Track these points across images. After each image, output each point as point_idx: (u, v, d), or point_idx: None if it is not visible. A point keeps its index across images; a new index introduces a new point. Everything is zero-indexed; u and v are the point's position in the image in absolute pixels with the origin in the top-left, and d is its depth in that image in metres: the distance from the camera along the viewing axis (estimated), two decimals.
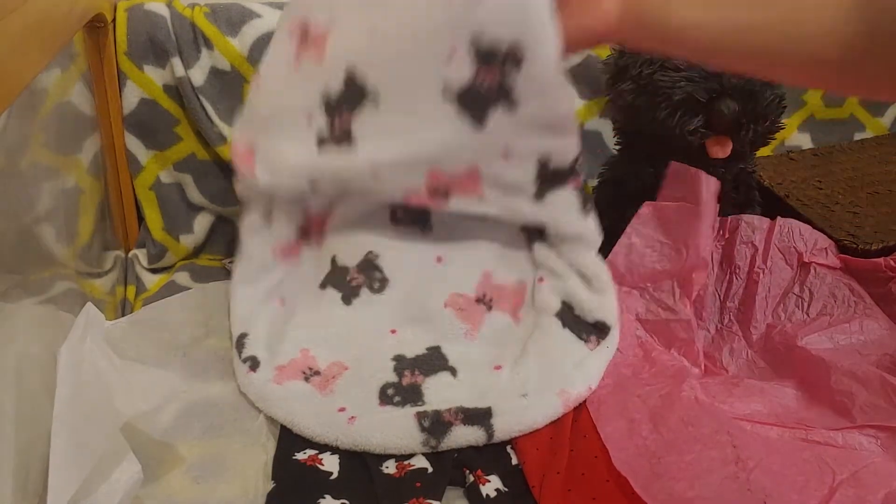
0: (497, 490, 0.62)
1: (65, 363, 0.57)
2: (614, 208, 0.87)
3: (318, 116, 0.69)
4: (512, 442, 0.67)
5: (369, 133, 0.67)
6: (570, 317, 0.75)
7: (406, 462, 0.63)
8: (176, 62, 0.92)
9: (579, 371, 0.71)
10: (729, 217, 0.82)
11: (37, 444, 0.53)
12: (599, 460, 0.63)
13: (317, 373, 0.71)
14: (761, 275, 0.81)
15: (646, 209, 0.79)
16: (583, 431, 0.67)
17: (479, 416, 0.65)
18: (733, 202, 0.86)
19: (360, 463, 0.64)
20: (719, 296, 0.82)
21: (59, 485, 0.50)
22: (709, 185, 0.77)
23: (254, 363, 0.71)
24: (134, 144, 0.95)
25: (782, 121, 0.81)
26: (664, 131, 0.79)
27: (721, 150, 0.79)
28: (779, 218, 0.83)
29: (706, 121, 0.77)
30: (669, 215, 0.78)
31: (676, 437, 0.65)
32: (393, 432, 0.64)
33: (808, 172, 0.99)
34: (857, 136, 1.16)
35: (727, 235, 0.82)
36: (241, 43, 0.94)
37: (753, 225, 0.82)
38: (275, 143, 0.70)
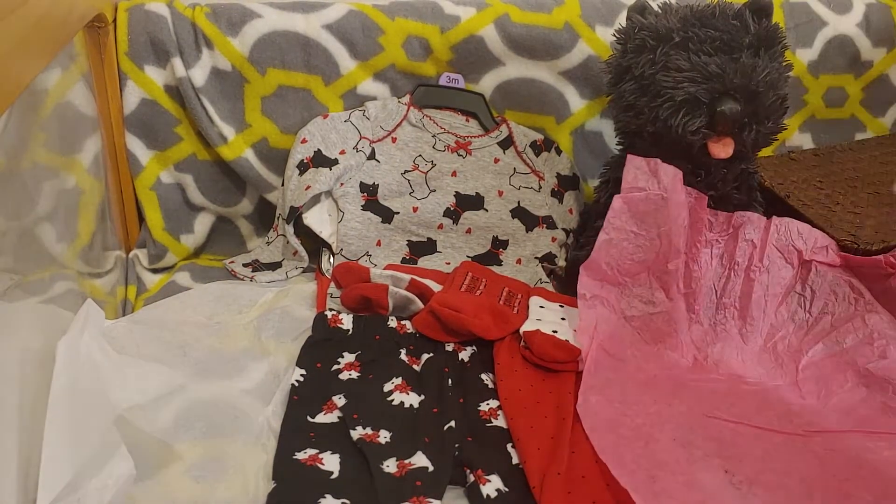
0: (497, 490, 0.61)
1: (62, 356, 0.57)
2: None
3: None
4: (513, 441, 0.67)
5: None
6: None
7: (407, 461, 0.63)
8: (176, 62, 0.92)
9: None
10: (734, 213, 0.82)
11: (38, 436, 0.53)
12: (600, 464, 0.63)
13: None
14: (758, 273, 0.81)
15: (617, 202, 0.79)
16: (583, 434, 0.67)
17: None
18: (735, 202, 0.86)
19: (360, 462, 0.64)
20: (716, 291, 0.82)
21: (51, 476, 0.50)
22: (667, 173, 0.77)
23: None
24: (134, 144, 0.95)
25: (784, 121, 0.81)
26: (666, 131, 0.79)
27: (723, 150, 0.79)
28: (774, 217, 0.83)
29: (708, 121, 0.77)
30: (639, 206, 0.78)
31: (668, 458, 0.64)
32: None
33: (808, 173, 0.99)
34: (858, 136, 1.16)
35: (731, 231, 0.82)
36: (241, 43, 0.94)
37: (754, 223, 0.82)
38: None
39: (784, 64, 0.82)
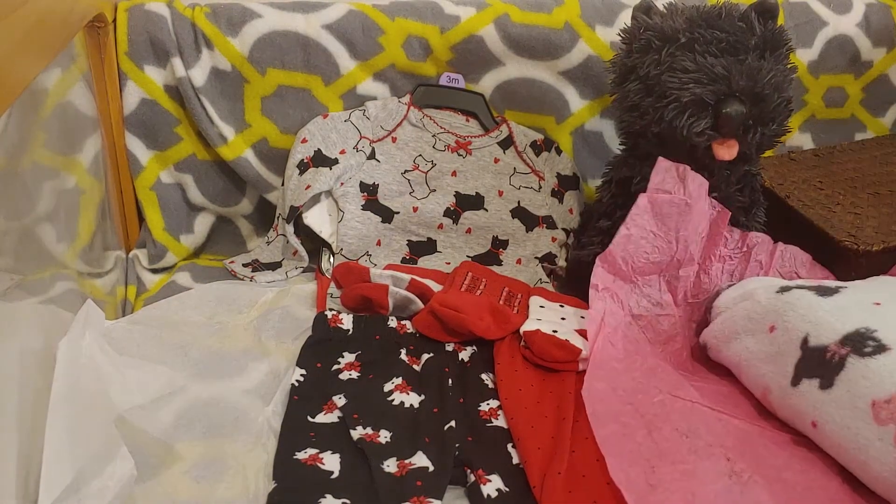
0: (498, 490, 0.61)
1: (63, 357, 0.57)
2: (618, 208, 0.86)
3: None
4: (514, 441, 0.67)
5: None
6: None
7: (407, 461, 0.63)
8: (176, 62, 0.92)
9: None
10: (748, 234, 0.83)
11: (39, 437, 0.53)
12: (601, 463, 0.63)
13: None
14: None
15: (642, 201, 0.79)
16: (584, 433, 0.67)
17: None
18: (738, 204, 0.86)
19: (361, 462, 0.64)
20: None
21: (52, 477, 0.50)
22: (694, 181, 0.77)
23: None
24: (134, 144, 0.95)
25: (788, 124, 0.81)
26: (671, 132, 0.78)
27: (728, 152, 0.78)
28: (780, 243, 0.84)
29: (714, 123, 0.77)
30: (663, 208, 0.78)
31: (670, 447, 0.64)
32: None
33: (808, 173, 0.99)
34: (858, 137, 1.15)
35: (745, 250, 0.83)
36: (241, 43, 0.94)
37: (764, 246, 0.83)
38: None
39: (788, 66, 0.81)
